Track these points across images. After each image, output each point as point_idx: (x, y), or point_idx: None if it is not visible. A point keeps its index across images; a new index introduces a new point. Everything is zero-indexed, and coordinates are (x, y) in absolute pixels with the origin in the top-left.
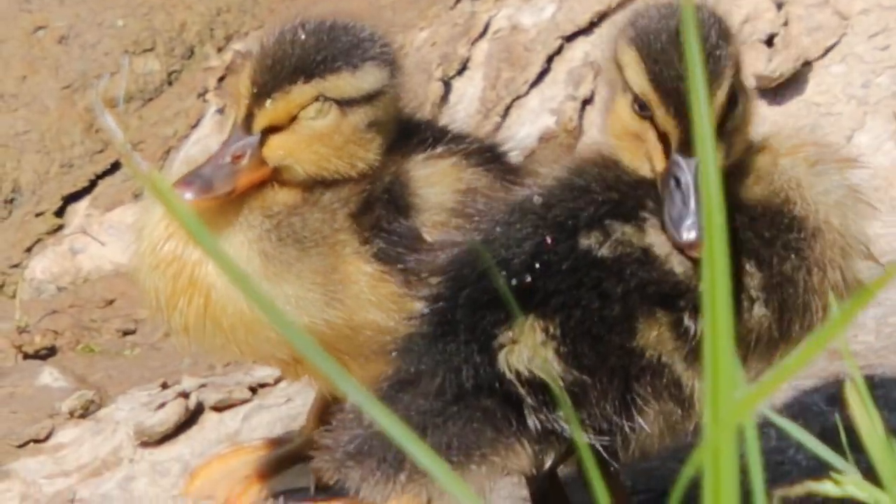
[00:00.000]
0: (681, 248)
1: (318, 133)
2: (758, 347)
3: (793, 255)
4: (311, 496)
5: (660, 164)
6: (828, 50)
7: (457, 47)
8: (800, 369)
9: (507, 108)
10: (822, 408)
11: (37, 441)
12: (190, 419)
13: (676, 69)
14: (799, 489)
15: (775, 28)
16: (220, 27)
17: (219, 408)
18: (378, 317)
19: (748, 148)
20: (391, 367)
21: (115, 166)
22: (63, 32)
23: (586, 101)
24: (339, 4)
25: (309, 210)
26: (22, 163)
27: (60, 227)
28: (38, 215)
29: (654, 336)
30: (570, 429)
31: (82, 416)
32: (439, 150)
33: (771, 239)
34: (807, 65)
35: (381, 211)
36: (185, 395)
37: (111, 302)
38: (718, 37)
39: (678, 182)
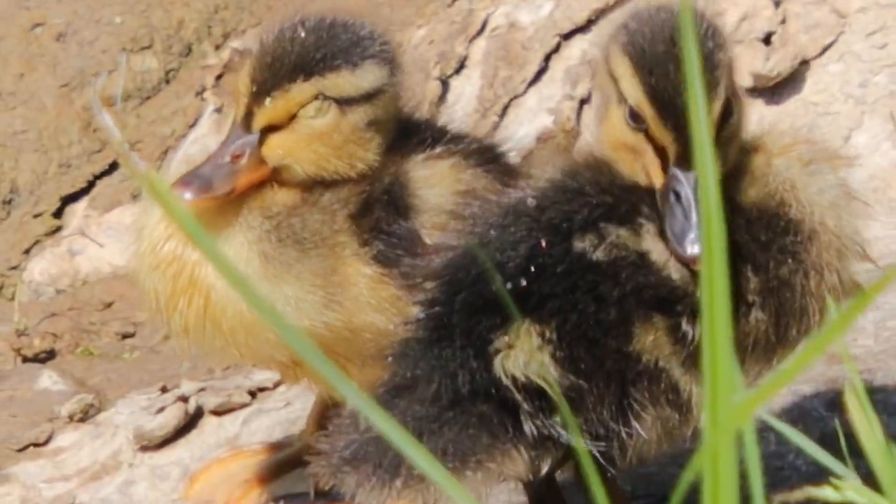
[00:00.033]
0: (684, 262)
1: (318, 132)
2: (755, 352)
3: (789, 259)
4: (310, 500)
5: (658, 178)
6: (825, 48)
7: (454, 45)
8: (799, 373)
9: (505, 108)
10: (821, 412)
11: (36, 445)
12: (189, 423)
13: (673, 82)
14: (798, 494)
15: (773, 26)
16: (217, 25)
17: (218, 412)
18: (377, 319)
19: (742, 149)
20: (387, 372)
21: (114, 166)
22: (61, 30)
23: (584, 101)
24: (337, 2)
25: (308, 211)
26: (20, 163)
27: (59, 229)
28: (36, 216)
29: (650, 340)
30: (566, 434)
31: (82, 420)
32: (438, 150)
33: (767, 243)
34: (804, 63)
35: (380, 212)
36: (185, 399)
37: (110, 304)
38: (714, 44)
39: (678, 196)
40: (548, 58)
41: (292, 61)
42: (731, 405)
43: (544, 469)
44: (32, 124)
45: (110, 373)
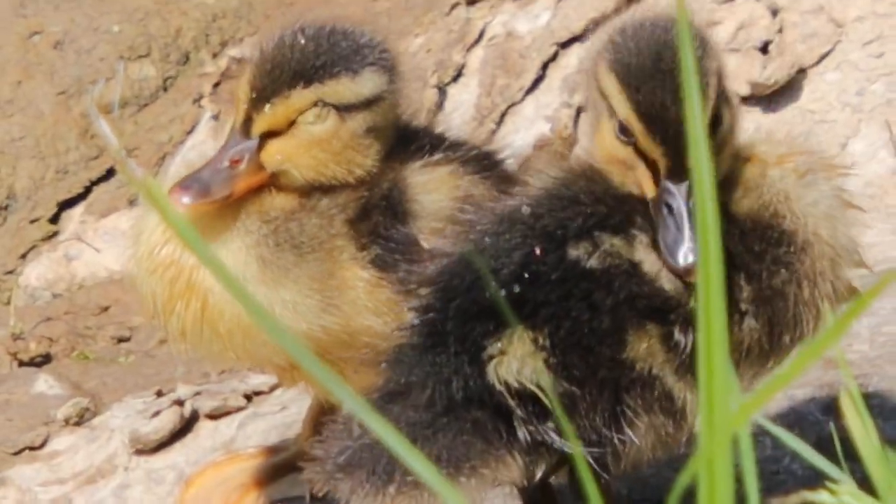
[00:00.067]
0: (678, 274)
1: (317, 138)
2: (748, 360)
3: (783, 270)
4: None
5: (650, 191)
6: (822, 57)
7: (452, 54)
8: (795, 378)
9: (502, 115)
10: (817, 417)
11: (32, 448)
12: (185, 427)
13: (659, 96)
14: (794, 499)
15: (770, 35)
16: (215, 33)
17: (214, 416)
18: (375, 323)
19: (735, 157)
20: (382, 377)
21: (110, 172)
22: (58, 38)
23: (581, 109)
24: (335, 10)
25: (306, 215)
26: (17, 169)
27: (55, 234)
28: (32, 222)
29: (644, 348)
30: (560, 440)
31: (77, 424)
32: (437, 156)
33: (761, 253)
34: (801, 72)
35: (378, 217)
36: (180, 402)
37: (106, 309)
38: (701, 52)
39: (670, 208)
40: (545, 66)
41: (292, 68)
42: (727, 410)
43: (539, 474)
44: (30, 131)
45: (106, 377)
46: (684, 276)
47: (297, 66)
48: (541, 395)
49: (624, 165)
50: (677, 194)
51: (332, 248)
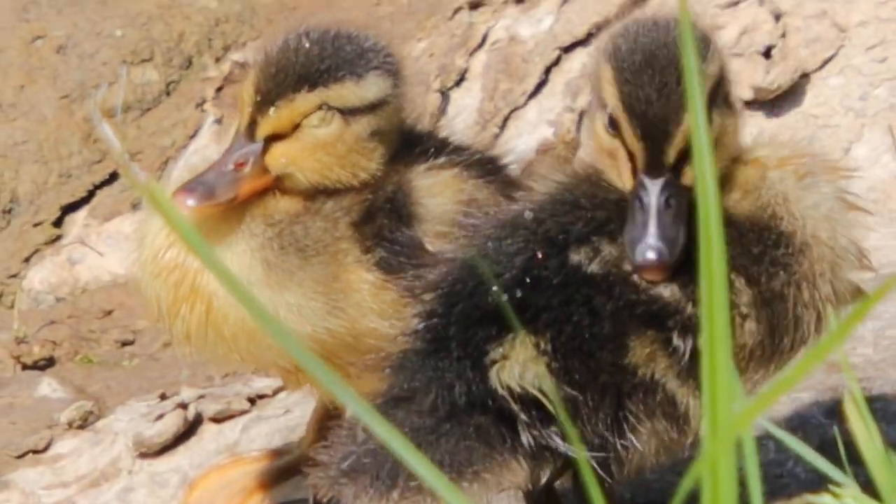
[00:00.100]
0: (636, 269)
1: (321, 141)
2: (749, 363)
3: (781, 272)
4: None
5: (629, 183)
6: (826, 62)
7: (455, 58)
8: (798, 382)
9: (505, 120)
10: (820, 420)
11: (36, 452)
12: (189, 430)
13: (646, 91)
14: (798, 502)
15: (773, 40)
16: (218, 38)
17: (217, 419)
18: (380, 325)
19: (736, 161)
20: (385, 383)
21: (114, 176)
22: (61, 42)
23: (584, 113)
24: (338, 15)
25: (311, 218)
26: (20, 173)
27: (58, 238)
28: (36, 225)
29: (646, 353)
30: (563, 444)
31: (81, 427)
32: (441, 160)
33: (759, 255)
34: (805, 77)
35: (383, 220)
36: (184, 406)
37: (109, 312)
38: (699, 56)
39: (641, 203)
40: (548, 70)
41: (297, 72)
42: (731, 413)
43: (544, 478)
44: (33, 135)
45: (109, 380)
46: (642, 272)
47: (301, 70)
48: (543, 399)
49: (611, 158)
50: (650, 189)
51: (337, 250)
